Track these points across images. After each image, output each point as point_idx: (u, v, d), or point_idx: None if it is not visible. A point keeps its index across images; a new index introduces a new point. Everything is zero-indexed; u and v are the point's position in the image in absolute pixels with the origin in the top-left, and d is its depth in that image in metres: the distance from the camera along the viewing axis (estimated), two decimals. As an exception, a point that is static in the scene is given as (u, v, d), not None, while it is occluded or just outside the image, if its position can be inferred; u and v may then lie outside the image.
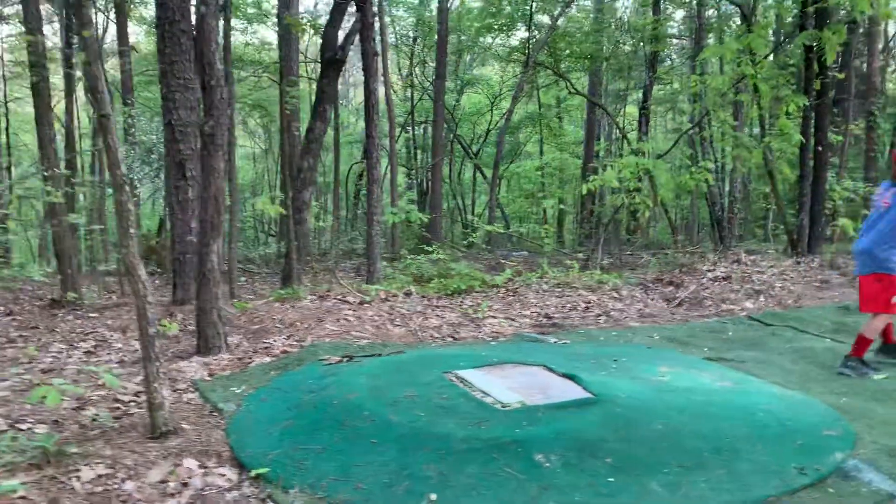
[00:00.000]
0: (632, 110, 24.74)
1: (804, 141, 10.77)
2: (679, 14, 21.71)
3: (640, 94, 19.75)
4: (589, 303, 7.77)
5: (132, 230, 3.78)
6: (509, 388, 4.42)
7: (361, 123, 25.81)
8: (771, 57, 11.26)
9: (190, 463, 3.56)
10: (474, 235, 13.78)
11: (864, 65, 15.86)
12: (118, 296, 9.98)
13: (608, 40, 20.06)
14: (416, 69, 23.91)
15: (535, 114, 24.82)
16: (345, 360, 5.10)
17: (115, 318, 7.67)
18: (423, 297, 7.93)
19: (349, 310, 6.94)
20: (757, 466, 3.58)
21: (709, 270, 9.82)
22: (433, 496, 3.21)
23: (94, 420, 4.13)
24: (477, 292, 8.33)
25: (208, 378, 5.10)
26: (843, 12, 11.47)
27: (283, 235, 14.36)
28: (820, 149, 10.74)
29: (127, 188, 3.75)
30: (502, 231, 15.42)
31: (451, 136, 23.69)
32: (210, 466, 3.57)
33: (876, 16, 13.09)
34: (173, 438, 3.80)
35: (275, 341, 5.97)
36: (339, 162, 18.70)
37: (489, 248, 14.99)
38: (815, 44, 10.20)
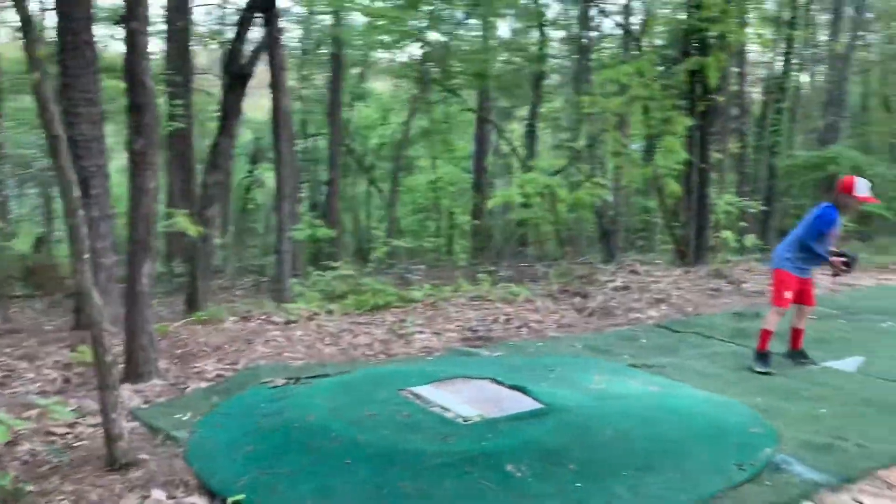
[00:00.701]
0: (516, 126, 25.50)
1: (691, 159, 11.59)
2: (560, 34, 22.59)
3: (527, 112, 20.47)
4: (508, 315, 8.02)
5: (86, 255, 3.64)
6: (464, 401, 4.55)
7: (248, 134, 25.21)
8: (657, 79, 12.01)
9: (158, 494, 3.46)
10: (379, 250, 13.81)
11: (736, 87, 17.18)
12: (-1, 322, 9.29)
13: (494, 59, 20.63)
14: (305, 82, 23.67)
15: (428, 128, 25.12)
16: (291, 381, 5.06)
17: (13, 346, 7.16)
18: (345, 314, 7.92)
19: (277, 330, 6.84)
20: (701, 465, 3.89)
21: (609, 281, 10.34)
22: (418, 512, 3.29)
23: (34, 455, 3.92)
24: (396, 308, 8.39)
25: (145, 406, 4.91)
26: (713, 39, 12.29)
27: (180, 254, 13.84)
28: (704, 166, 11.60)
29: (81, 212, 3.61)
30: (407, 245, 15.54)
31: (344, 149, 23.57)
32: (179, 496, 3.48)
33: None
34: (134, 470, 3.67)
35: (206, 365, 5.81)
36: (231, 175, 18.25)
37: (392, 262, 15.05)
38: (698, 69, 11.03)
